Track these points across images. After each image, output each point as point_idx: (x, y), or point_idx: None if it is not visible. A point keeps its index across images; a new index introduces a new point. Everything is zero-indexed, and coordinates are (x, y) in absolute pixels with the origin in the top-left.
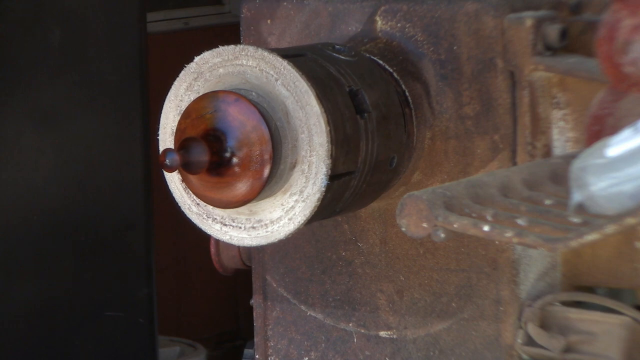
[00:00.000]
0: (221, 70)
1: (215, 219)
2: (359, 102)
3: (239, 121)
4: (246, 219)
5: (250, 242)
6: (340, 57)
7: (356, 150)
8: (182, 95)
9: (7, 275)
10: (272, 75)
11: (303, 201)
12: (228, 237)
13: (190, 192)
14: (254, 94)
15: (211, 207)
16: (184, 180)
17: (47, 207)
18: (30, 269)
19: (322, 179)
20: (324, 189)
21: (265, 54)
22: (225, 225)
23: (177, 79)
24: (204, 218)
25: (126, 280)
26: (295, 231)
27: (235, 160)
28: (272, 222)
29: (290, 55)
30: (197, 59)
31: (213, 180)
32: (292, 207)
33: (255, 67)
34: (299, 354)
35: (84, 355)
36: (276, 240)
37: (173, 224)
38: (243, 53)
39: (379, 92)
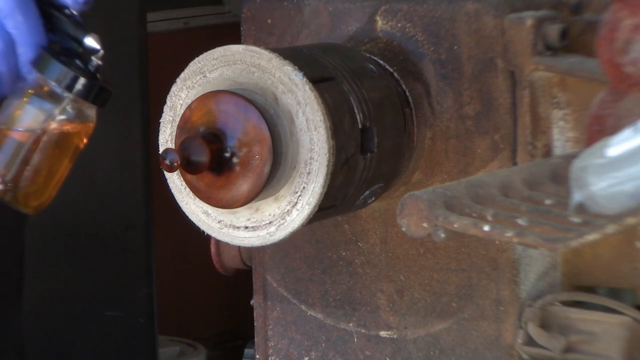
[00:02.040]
0: (220, 70)
1: (221, 220)
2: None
3: (239, 121)
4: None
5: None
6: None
7: (313, 60)
8: (181, 96)
9: None
10: (272, 75)
11: (306, 105)
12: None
13: (191, 192)
14: (253, 93)
15: (214, 208)
16: (184, 180)
17: (47, 207)
18: (30, 269)
19: (298, 77)
20: (312, 89)
21: (265, 53)
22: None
23: (178, 78)
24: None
25: (126, 280)
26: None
27: (235, 159)
28: (305, 164)
29: (289, 54)
30: (197, 58)
31: (214, 180)
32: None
33: (255, 67)
34: (299, 354)
35: (84, 355)
36: (317, 190)
37: (173, 224)
38: (242, 53)
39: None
